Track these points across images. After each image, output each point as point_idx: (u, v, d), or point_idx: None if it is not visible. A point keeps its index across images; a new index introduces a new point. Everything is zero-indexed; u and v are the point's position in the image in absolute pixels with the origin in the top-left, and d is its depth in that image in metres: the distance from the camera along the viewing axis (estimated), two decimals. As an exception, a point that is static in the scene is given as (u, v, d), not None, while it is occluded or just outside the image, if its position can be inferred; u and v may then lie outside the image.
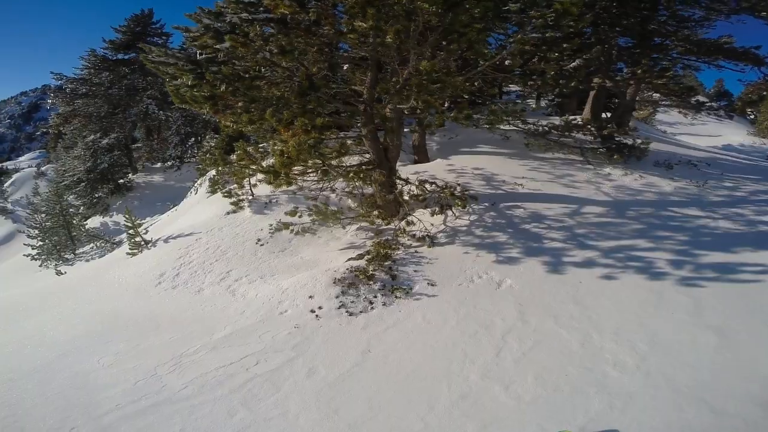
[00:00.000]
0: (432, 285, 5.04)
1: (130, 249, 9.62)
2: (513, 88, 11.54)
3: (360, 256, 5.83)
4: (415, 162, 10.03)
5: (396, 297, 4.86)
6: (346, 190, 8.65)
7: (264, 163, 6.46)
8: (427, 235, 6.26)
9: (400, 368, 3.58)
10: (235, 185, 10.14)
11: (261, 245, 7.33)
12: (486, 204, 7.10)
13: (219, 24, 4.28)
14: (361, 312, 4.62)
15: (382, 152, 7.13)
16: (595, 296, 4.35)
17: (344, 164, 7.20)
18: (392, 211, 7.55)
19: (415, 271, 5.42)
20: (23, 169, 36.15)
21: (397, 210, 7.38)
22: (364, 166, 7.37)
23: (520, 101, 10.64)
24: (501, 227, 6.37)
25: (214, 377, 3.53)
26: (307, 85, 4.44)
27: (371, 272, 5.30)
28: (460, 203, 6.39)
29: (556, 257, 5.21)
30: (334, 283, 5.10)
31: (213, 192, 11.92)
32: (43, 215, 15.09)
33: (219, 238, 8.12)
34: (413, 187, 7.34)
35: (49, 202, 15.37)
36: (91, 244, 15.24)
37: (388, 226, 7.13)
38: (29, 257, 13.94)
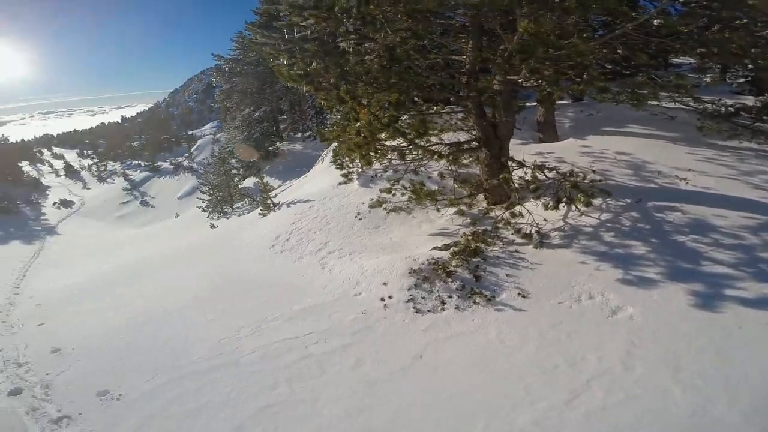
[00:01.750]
0: (523, 297, 4.37)
1: (261, 210, 11.54)
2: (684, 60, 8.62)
3: (446, 247, 5.50)
4: (540, 141, 8.72)
5: (474, 303, 4.40)
6: (451, 168, 8.22)
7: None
8: (537, 231, 5.43)
9: (443, 387, 3.28)
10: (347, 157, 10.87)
11: (359, 219, 7.71)
12: (627, 200, 5.66)
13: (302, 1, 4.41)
14: (428, 311, 4.38)
15: (489, 129, 6.40)
16: (754, 351, 3.06)
17: (443, 141, 6.79)
18: (498, 198, 6.83)
19: (507, 275, 4.78)
20: (205, 136, 47.30)
21: (507, 197, 6.63)
22: (466, 145, 6.81)
23: (694, 74, 7.87)
24: (642, 234, 4.98)
25: (277, 348, 3.95)
26: (387, 57, 4.21)
27: (452, 268, 4.94)
28: (582, 198, 5.27)
29: (714, 287, 3.81)
30: (410, 273, 4.97)
31: (335, 162, 13.12)
32: (211, 175, 19.42)
33: (327, 207, 8.88)
34: (528, 171, 6.42)
35: (216, 164, 19.65)
36: (244, 201, 18.88)
37: (491, 215, 6.51)
38: (200, 209, 18.27)
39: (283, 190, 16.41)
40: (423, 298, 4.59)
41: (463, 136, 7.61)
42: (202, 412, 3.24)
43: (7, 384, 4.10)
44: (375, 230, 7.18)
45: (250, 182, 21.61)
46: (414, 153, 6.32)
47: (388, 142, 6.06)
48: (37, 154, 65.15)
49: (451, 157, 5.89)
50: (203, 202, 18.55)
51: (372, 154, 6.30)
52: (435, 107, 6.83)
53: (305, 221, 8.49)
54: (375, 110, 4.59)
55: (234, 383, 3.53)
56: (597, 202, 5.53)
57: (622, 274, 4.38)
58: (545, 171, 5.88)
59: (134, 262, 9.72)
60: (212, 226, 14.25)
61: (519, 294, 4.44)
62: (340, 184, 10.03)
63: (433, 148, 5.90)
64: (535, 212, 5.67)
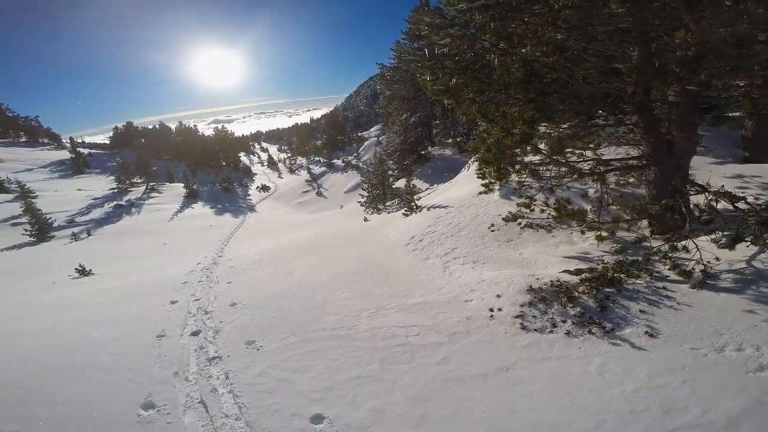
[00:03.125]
0: (650, 335, 3.90)
1: (405, 211, 12.74)
2: None
3: (578, 272, 5.16)
4: (745, 160, 6.90)
5: (588, 332, 4.13)
6: (609, 188, 7.40)
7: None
8: (703, 270, 4.58)
9: (513, 402, 3.30)
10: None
11: (492, 231, 7.81)
12: None
13: (438, 21, 4.82)
14: (535, 330, 4.31)
15: (662, 146, 5.61)
16: None
17: (599, 157, 6.23)
18: (666, 226, 5.91)
19: (641, 311, 4.28)
20: (371, 137, 53.20)
21: (677, 226, 5.68)
22: (631, 162, 6.09)
23: None
24: None
25: (384, 332, 4.63)
26: (525, 72, 4.26)
27: (576, 294, 4.65)
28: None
29: None
30: (528, 290, 4.93)
31: (479, 171, 13.32)
32: (371, 174, 22.10)
33: (463, 215, 9.27)
34: (709, 198, 5.33)
35: (375, 164, 22.27)
36: (394, 201, 20.86)
37: (646, 244, 5.69)
38: (359, 203, 21.08)
39: (428, 194, 17.48)
40: (534, 316, 4.55)
41: (621, 152, 6.80)
42: (309, 370, 4.11)
43: (193, 326, 5.66)
44: (505, 243, 7.19)
45: (402, 183, 23.66)
46: (553, 170, 6.11)
47: (525, 158, 6.05)
48: (251, 147, 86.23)
49: (596, 177, 5.44)
50: (362, 197, 21.42)
51: (509, 168, 6.39)
52: (592, 120, 6.38)
53: (440, 225, 9.08)
54: (509, 126, 4.73)
55: (341, 353, 4.35)
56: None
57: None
58: (732, 200, 4.79)
59: (303, 241, 12.17)
60: (365, 220, 16.36)
61: (646, 332, 3.99)
62: (480, 193, 10.24)
63: (580, 165, 5.58)
64: (706, 248, 4.76)
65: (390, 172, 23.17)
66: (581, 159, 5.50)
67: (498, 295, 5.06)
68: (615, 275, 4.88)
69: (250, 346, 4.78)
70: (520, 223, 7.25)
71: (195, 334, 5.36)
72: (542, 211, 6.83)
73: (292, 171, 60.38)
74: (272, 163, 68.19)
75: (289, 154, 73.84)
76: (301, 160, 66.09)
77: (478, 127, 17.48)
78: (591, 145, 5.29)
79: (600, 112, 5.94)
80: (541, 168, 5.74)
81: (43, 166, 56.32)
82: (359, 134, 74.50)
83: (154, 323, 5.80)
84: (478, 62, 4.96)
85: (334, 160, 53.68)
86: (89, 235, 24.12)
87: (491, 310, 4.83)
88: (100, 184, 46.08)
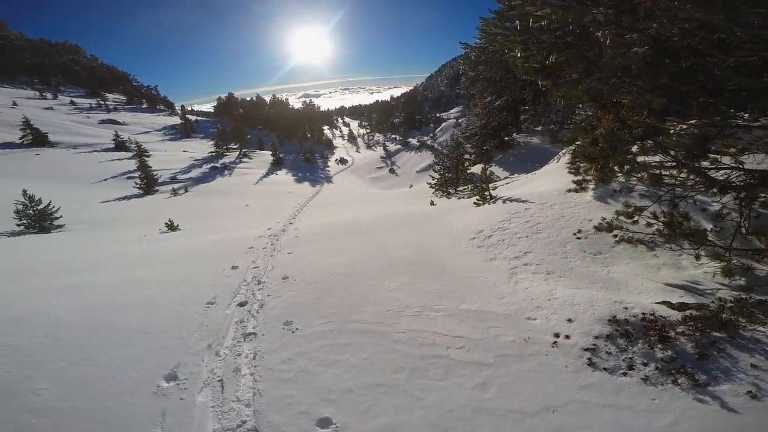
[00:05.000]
0: (752, 397, 3.00)
1: (476, 200, 11.84)
2: None
3: (681, 306, 4.09)
4: None
5: (673, 382, 3.23)
6: (743, 206, 5.83)
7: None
8: None
9: None
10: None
11: (577, 238, 6.74)
12: None
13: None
14: (604, 369, 3.49)
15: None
16: None
17: (740, 166, 4.82)
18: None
19: (752, 365, 3.25)
20: (449, 119, 51.28)
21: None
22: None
23: None
24: None
25: (423, 337, 4.10)
26: (656, 52, 3.21)
27: (672, 334, 3.66)
28: None
29: None
30: (609, 320, 4.03)
31: (571, 164, 11.81)
32: (445, 156, 21.18)
33: (544, 214, 8.21)
34: None
35: (450, 147, 21.24)
36: (467, 187, 19.83)
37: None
38: (429, 185, 20.43)
39: (506, 184, 16.16)
40: (608, 353, 3.69)
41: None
42: (334, 365, 3.83)
43: (243, 296, 5.71)
44: (592, 257, 6.12)
45: (478, 169, 22.36)
46: (680, 178, 4.90)
47: (640, 158, 4.95)
48: (334, 121, 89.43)
49: (744, 193, 4.20)
50: (432, 179, 20.72)
51: (616, 168, 5.28)
52: (736, 120, 4.96)
53: (514, 222, 8.17)
54: (627, 116, 3.75)
55: (372, 351, 3.99)
56: None
57: None
58: None
59: (366, 218, 12.04)
60: (431, 203, 15.74)
61: (749, 392, 3.05)
62: (569, 190, 8.98)
63: (717, 175, 4.34)
64: None
65: (466, 156, 21.98)
66: (714, 166, 4.26)
67: (569, 320, 4.24)
68: (731, 317, 3.77)
69: (286, 327, 4.68)
70: (615, 235, 6.10)
71: (242, 305, 5.44)
72: (649, 225, 5.61)
73: (369, 146, 61.34)
74: (352, 138, 70.03)
75: (368, 131, 75.01)
76: (378, 137, 66.81)
77: (575, 115, 15.50)
78: (731, 150, 4.03)
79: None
80: (663, 172, 4.59)
81: (158, 130, 64.70)
82: (437, 115, 72.75)
83: (210, 288, 6.03)
84: (583, 38, 3.99)
85: (410, 139, 53.16)
86: (186, 191, 27.17)
87: (556, 335, 4.06)
88: (202, 148, 51.53)
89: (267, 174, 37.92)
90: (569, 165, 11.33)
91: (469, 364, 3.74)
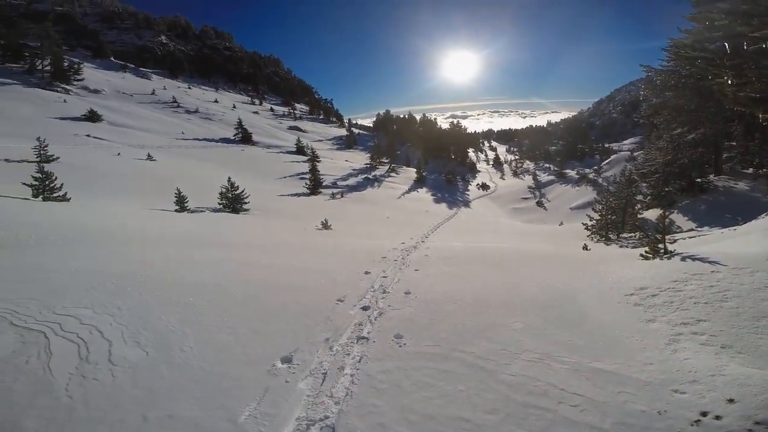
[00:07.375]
0: None
1: (645, 251, 9.88)
2: None
3: None
4: None
5: None
6: None
7: None
8: None
9: None
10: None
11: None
12: None
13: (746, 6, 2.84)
14: None
15: None
16: None
17: None
18: None
19: None
20: (621, 151, 44.24)
21: None
22: None
23: None
24: None
25: (535, 386, 3.38)
26: None
27: None
28: None
29: None
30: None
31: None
32: (611, 194, 18.46)
33: (738, 281, 6.34)
34: None
35: (620, 184, 18.38)
36: (634, 234, 16.85)
37: None
38: (585, 225, 18.11)
39: (690, 237, 13.10)
40: None
41: None
42: (427, 389, 3.63)
43: (369, 302, 6.04)
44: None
45: (653, 214, 18.81)
46: None
47: None
48: (480, 144, 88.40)
49: None
50: (590, 219, 18.32)
51: None
52: None
53: (692, 285, 6.55)
54: None
55: (471, 386, 3.68)
56: None
57: None
58: None
59: (501, 250, 11.46)
60: (585, 247, 13.93)
61: None
62: (797, 256, 6.74)
63: None
64: None
65: (639, 197, 18.71)
66: None
67: (731, 400, 3.13)
68: None
69: (396, 340, 4.73)
70: None
71: (364, 309, 5.77)
72: None
73: (516, 174, 58.37)
74: (497, 164, 67.85)
75: (517, 156, 71.47)
76: (528, 165, 62.89)
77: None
78: None
79: None
80: None
81: (329, 139, 75.71)
82: (606, 145, 63.97)
83: (342, 286, 6.64)
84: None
85: (567, 170, 48.27)
86: (342, 196, 31.24)
87: (703, 414, 3.03)
88: (360, 159, 57.88)
89: (409, 190, 40.10)
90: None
91: (578, 424, 3.11)
